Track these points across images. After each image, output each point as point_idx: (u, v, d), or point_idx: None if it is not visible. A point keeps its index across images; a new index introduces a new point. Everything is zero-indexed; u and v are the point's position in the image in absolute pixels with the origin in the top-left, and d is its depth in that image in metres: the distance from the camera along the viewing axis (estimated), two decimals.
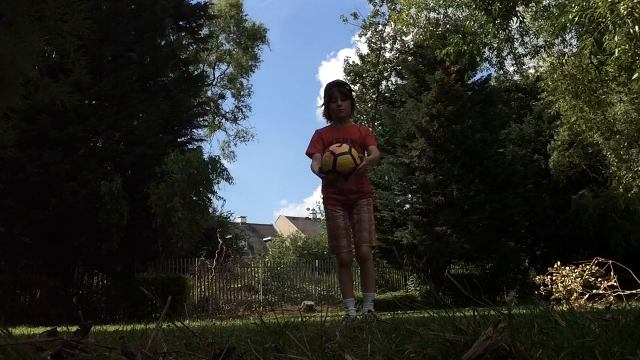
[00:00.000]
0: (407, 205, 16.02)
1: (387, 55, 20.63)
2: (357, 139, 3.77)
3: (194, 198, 11.17)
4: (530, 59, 11.55)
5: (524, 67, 11.83)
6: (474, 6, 9.45)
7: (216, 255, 13.66)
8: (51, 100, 3.55)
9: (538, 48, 11.05)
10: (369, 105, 20.08)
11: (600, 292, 7.23)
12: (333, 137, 3.75)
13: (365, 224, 3.66)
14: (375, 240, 3.75)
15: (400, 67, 18.69)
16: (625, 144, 12.41)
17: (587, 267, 7.58)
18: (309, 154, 3.78)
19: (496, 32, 9.64)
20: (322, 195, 3.90)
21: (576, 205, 15.06)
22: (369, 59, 20.49)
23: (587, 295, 7.30)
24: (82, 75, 3.53)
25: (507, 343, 0.88)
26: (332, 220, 3.73)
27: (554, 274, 7.94)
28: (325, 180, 3.71)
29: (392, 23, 16.81)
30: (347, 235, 3.72)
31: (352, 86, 4.26)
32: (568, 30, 9.89)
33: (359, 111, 20.08)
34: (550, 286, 7.88)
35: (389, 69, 20.51)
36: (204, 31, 16.67)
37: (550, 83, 11.54)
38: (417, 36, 11.38)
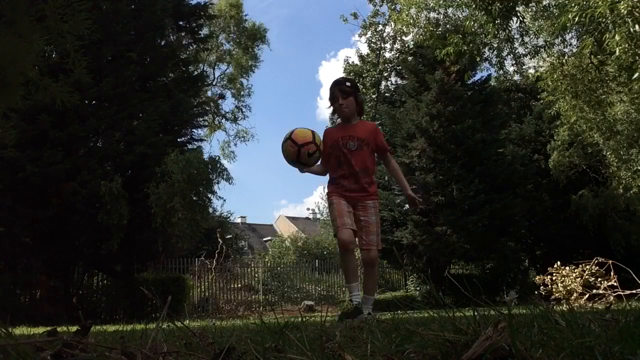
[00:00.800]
0: (407, 205, 16.02)
1: (387, 55, 20.67)
2: (365, 137, 3.67)
3: (194, 198, 11.17)
4: (530, 59, 11.56)
5: (524, 67, 11.85)
6: (474, 6, 9.45)
7: (216, 255, 13.66)
8: (51, 100, 3.56)
9: (538, 48, 11.05)
10: (369, 105, 20.08)
11: (600, 292, 7.24)
12: (339, 135, 3.69)
13: (373, 226, 3.59)
14: (380, 244, 3.67)
15: (400, 67, 18.69)
16: (625, 144, 12.42)
17: (587, 267, 7.58)
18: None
19: (496, 32, 9.64)
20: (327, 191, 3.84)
21: (576, 205, 15.06)
22: (369, 59, 20.51)
23: (587, 295, 7.30)
24: (82, 75, 3.54)
25: (507, 343, 0.88)
26: (334, 205, 3.61)
27: (554, 274, 7.95)
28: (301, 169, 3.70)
29: (392, 23, 16.82)
30: (350, 216, 3.58)
31: (355, 81, 4.07)
32: (568, 30, 9.89)
33: None
34: (550, 286, 7.89)
35: (389, 69, 20.52)
36: (204, 31, 16.68)
37: (550, 83, 11.54)
38: (417, 36, 11.37)
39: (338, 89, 3.70)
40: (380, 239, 3.66)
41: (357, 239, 3.65)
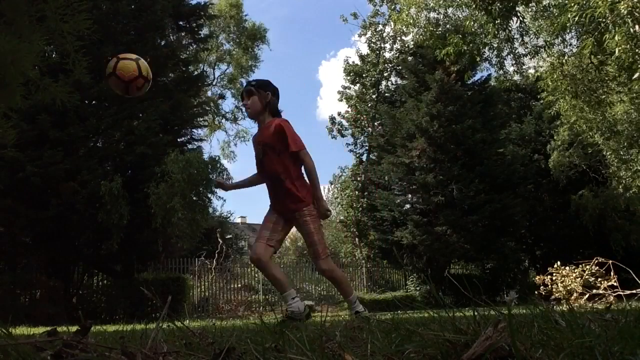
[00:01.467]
0: (407, 205, 16.03)
1: (387, 55, 20.63)
2: (269, 141, 3.34)
3: (194, 198, 11.17)
4: (530, 59, 11.56)
5: (524, 67, 11.84)
6: (474, 6, 9.46)
7: (216, 255, 13.66)
8: (51, 100, 3.56)
9: (538, 48, 11.05)
10: (369, 105, 20.07)
11: (600, 292, 7.24)
12: (255, 142, 3.50)
13: (310, 237, 3.33)
14: (322, 252, 3.34)
15: (400, 67, 18.69)
16: (625, 144, 12.42)
17: (587, 267, 7.59)
18: None
19: (496, 32, 9.65)
20: None
21: (576, 205, 15.07)
22: (369, 59, 20.49)
23: (587, 295, 7.31)
24: (82, 75, 3.54)
25: (507, 343, 0.88)
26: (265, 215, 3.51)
27: (554, 274, 7.96)
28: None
29: (392, 23, 16.81)
30: (271, 227, 3.38)
31: (265, 81, 3.74)
32: (568, 30, 9.89)
33: (358, 111, 20.05)
34: (550, 286, 7.90)
35: (389, 69, 20.51)
36: (204, 31, 16.66)
37: (550, 83, 11.54)
38: (417, 36, 11.38)
39: (244, 89, 3.57)
40: (325, 246, 3.39)
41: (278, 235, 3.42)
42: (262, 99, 3.45)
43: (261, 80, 3.62)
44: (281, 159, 3.31)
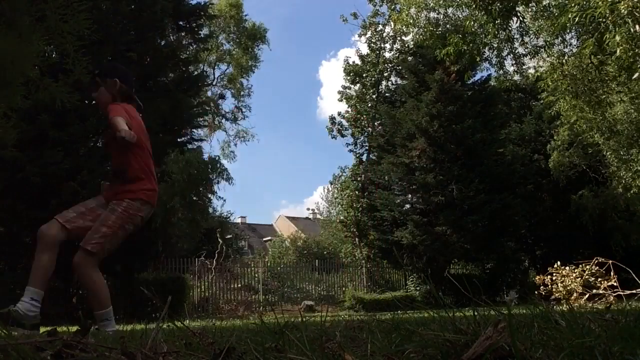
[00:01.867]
0: (407, 205, 16.03)
1: (387, 55, 20.60)
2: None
3: (194, 198, 11.18)
4: (530, 59, 11.56)
5: (524, 67, 11.84)
6: (474, 6, 9.46)
7: (216, 255, 13.67)
8: (51, 100, 3.56)
9: (538, 48, 11.05)
10: (369, 105, 20.06)
11: (600, 292, 7.25)
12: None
13: (101, 221, 3.00)
14: (94, 245, 2.96)
15: (400, 67, 18.69)
16: (625, 144, 12.42)
17: (587, 267, 7.59)
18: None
19: (496, 32, 9.65)
20: None
21: (576, 205, 15.07)
22: (369, 59, 20.47)
23: (587, 295, 7.31)
24: (82, 75, 3.54)
25: (507, 343, 0.88)
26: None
27: (554, 274, 7.96)
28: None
29: (392, 23, 16.81)
30: (81, 210, 3.09)
31: (110, 66, 3.34)
32: (568, 30, 9.90)
33: (358, 111, 20.05)
34: (550, 286, 7.90)
35: (389, 69, 20.49)
36: (204, 31, 16.66)
37: (550, 83, 11.54)
38: (417, 36, 11.37)
39: (89, 81, 3.28)
40: (100, 244, 2.98)
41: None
42: (110, 88, 3.16)
43: (106, 67, 3.47)
44: (120, 146, 3.01)
